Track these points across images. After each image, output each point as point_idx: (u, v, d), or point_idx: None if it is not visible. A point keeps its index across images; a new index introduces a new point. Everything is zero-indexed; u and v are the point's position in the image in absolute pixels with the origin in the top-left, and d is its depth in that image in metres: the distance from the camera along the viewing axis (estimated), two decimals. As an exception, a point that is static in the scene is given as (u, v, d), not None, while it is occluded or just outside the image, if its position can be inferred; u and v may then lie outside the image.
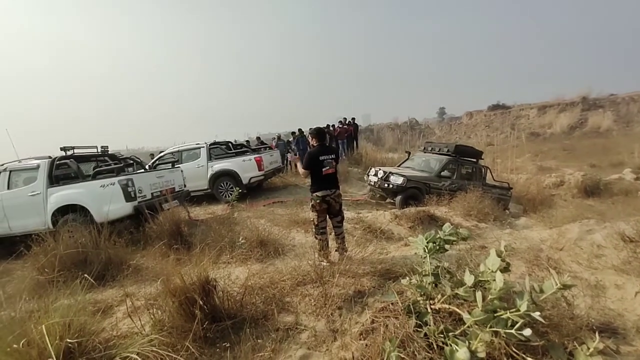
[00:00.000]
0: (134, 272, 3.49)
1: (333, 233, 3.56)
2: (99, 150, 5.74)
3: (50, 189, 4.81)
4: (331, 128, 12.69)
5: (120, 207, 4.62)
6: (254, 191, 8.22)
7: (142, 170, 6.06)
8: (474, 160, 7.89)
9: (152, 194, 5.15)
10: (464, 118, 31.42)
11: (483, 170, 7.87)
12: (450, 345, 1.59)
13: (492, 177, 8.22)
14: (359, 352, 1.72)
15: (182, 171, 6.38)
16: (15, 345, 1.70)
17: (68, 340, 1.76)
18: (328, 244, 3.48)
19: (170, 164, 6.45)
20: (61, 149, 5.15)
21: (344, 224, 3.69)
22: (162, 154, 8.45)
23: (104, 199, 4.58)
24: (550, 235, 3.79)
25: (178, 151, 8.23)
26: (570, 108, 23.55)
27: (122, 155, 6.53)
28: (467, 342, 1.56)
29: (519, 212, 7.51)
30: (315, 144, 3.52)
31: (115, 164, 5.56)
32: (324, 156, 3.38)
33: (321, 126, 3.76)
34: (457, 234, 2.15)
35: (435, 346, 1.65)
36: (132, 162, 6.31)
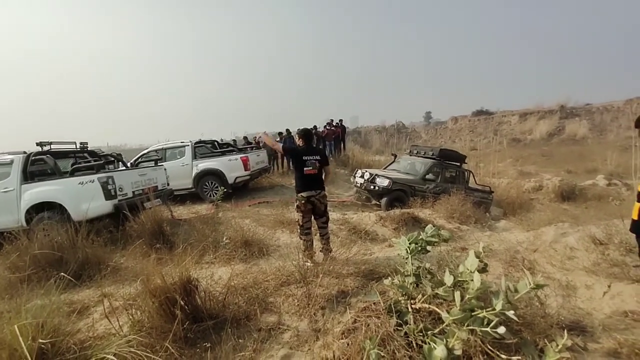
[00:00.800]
0: (112, 271, 3.40)
1: (318, 234, 3.58)
2: (78, 147, 5.54)
3: (25, 185, 4.61)
4: (319, 130, 12.73)
5: (100, 205, 4.47)
6: (239, 191, 8.14)
7: (124, 168, 5.90)
8: (458, 164, 8.10)
9: (133, 192, 5.02)
10: (449, 123, 32.15)
11: (466, 174, 8.09)
12: (429, 344, 1.63)
13: (475, 180, 8.45)
14: (340, 351, 1.74)
15: (165, 169, 6.24)
16: (-17, 347, 1.63)
17: (41, 341, 1.70)
18: (313, 244, 3.50)
19: (153, 162, 6.31)
20: (37, 144, 4.94)
21: (329, 224, 3.71)
22: (145, 151, 8.26)
23: (82, 196, 4.43)
24: (527, 238, 3.94)
25: (162, 149, 8.06)
26: (549, 115, 24.52)
27: (103, 152, 6.34)
28: (444, 340, 1.61)
29: (500, 215, 7.75)
30: (301, 144, 3.55)
31: (95, 160, 5.39)
32: (308, 156, 3.41)
33: (308, 127, 3.80)
34: (439, 235, 2.20)
35: (414, 344, 1.69)
36: (113, 159, 6.13)
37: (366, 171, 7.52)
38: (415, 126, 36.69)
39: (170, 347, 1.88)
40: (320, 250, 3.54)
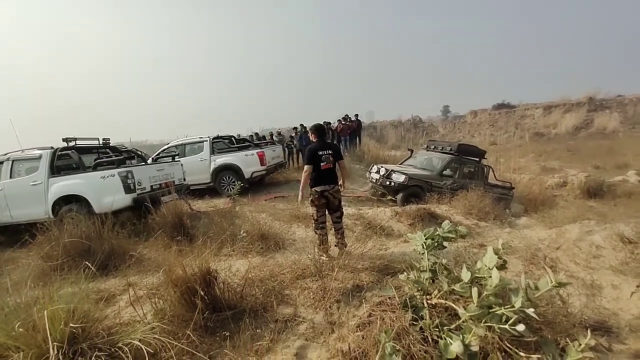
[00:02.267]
0: (136, 262, 3.55)
1: (333, 228, 3.60)
2: (101, 142, 5.80)
3: (52, 179, 4.87)
4: (332, 125, 12.69)
5: (120, 199, 4.68)
6: (256, 185, 8.27)
7: (143, 163, 6.11)
8: (477, 159, 7.87)
9: (151, 186, 5.20)
10: (468, 117, 31.21)
11: (485, 170, 7.86)
12: (445, 339, 1.62)
13: (495, 176, 8.20)
14: (355, 344, 1.76)
15: (182, 165, 6.42)
16: (21, 330, 1.76)
17: (72, 326, 1.81)
18: (327, 238, 3.52)
19: (171, 158, 6.50)
20: (63, 139, 5.20)
21: (344, 219, 3.72)
22: (165, 146, 8.52)
23: (103, 190, 4.65)
24: (549, 235, 3.80)
25: (181, 144, 8.29)
26: (576, 108, 23.31)
27: (125, 148, 6.59)
28: (461, 336, 1.59)
29: (520, 211, 7.50)
30: (314, 140, 3.57)
31: (116, 156, 5.61)
32: (322, 151, 3.42)
33: (320, 122, 3.82)
34: (456, 231, 2.17)
35: (430, 339, 1.69)
36: (133, 154, 6.37)
37: (382, 167, 7.44)
38: (433, 120, 35.87)
39: (192, 335, 1.96)
40: (336, 245, 3.56)
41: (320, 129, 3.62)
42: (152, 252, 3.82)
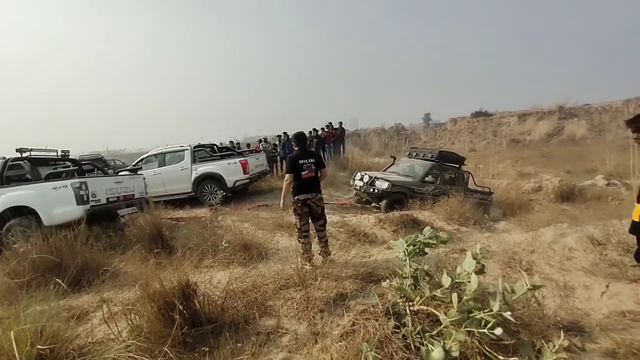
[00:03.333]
0: (111, 277, 3.39)
1: (316, 237, 3.58)
2: (59, 154, 5.62)
3: (1, 189, 4.62)
4: (319, 132, 12.75)
5: (71, 210, 4.45)
6: (239, 194, 8.14)
7: (102, 175, 5.98)
8: (457, 165, 8.11)
9: (107, 199, 5.00)
10: (448, 124, 32.18)
11: (465, 176, 8.09)
12: (426, 345, 1.63)
13: (474, 182, 8.46)
14: (338, 354, 1.74)
15: (144, 178, 6.26)
16: (-19, 353, 1.63)
17: (39, 347, 1.70)
18: (311, 247, 3.50)
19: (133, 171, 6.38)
20: (17, 150, 5.01)
21: (328, 227, 3.72)
22: (145, 155, 8.27)
23: (54, 201, 4.46)
24: (525, 239, 3.94)
25: (161, 153, 8.05)
26: (548, 116, 24.55)
27: (85, 160, 6.40)
28: (442, 342, 1.61)
29: (499, 216, 7.75)
30: (295, 148, 3.58)
31: (73, 167, 5.48)
32: (303, 160, 3.43)
33: (302, 131, 3.83)
34: (437, 237, 2.21)
35: (412, 346, 1.69)
36: (93, 167, 6.29)
37: (365, 174, 7.53)
38: (415, 128, 36.73)
39: (169, 352, 1.88)
40: (319, 253, 3.54)
41: (301, 138, 3.64)
42: (129, 266, 3.66)
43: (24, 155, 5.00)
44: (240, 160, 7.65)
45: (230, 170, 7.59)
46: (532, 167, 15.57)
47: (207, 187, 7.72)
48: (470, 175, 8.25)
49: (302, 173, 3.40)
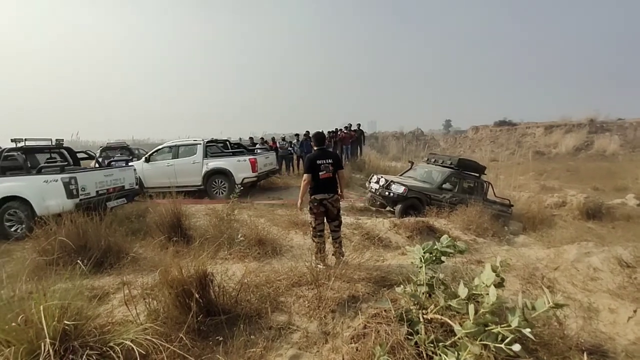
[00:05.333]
0: (132, 261, 3.53)
1: (330, 237, 3.59)
2: (53, 143, 5.92)
3: None
4: (339, 133, 12.76)
5: (62, 203, 4.73)
6: (255, 190, 8.28)
7: (93, 168, 6.31)
8: (477, 174, 7.90)
9: (97, 192, 5.27)
10: (469, 132, 31.40)
11: (485, 185, 7.87)
12: (440, 355, 1.61)
13: (494, 192, 8.22)
14: (349, 356, 1.74)
15: (134, 170, 6.48)
16: (14, 324, 1.74)
17: (65, 323, 1.79)
18: (325, 247, 3.51)
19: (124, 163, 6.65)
20: (12, 140, 5.30)
21: (342, 229, 3.72)
22: (159, 147, 8.62)
23: (46, 193, 4.76)
24: (547, 255, 3.80)
25: (175, 146, 8.37)
26: (577, 129, 23.50)
27: (79, 150, 6.77)
28: (456, 353, 1.58)
29: (519, 229, 7.49)
30: (315, 148, 3.60)
31: (63, 159, 5.92)
32: (321, 160, 3.44)
33: (321, 131, 3.84)
34: (455, 246, 2.17)
35: (424, 355, 1.68)
36: (87, 156, 6.69)
37: (381, 177, 7.46)
38: (434, 134, 36.07)
39: (184, 338, 1.94)
40: (333, 254, 3.55)
41: (321, 138, 3.65)
42: (148, 252, 3.80)
43: (19, 145, 5.33)
44: (250, 158, 7.83)
45: (239, 167, 7.78)
46: (557, 181, 14.94)
47: (216, 181, 7.94)
48: (490, 186, 8.02)
49: (320, 173, 3.41)
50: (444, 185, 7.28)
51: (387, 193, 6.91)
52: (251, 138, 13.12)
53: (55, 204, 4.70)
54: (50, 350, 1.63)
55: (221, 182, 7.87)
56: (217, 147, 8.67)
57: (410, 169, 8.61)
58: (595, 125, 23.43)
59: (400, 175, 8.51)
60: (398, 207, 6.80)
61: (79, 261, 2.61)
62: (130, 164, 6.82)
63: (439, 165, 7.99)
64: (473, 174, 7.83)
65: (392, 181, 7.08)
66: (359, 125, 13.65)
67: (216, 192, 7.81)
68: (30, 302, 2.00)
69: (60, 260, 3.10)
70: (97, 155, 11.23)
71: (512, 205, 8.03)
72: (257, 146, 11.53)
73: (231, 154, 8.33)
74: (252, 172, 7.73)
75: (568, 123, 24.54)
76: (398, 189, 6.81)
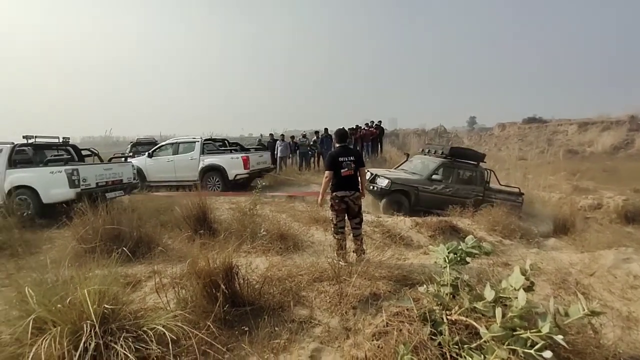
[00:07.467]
0: (161, 252, 3.70)
1: (351, 234, 3.59)
2: (61, 141, 6.56)
3: (9, 170, 5.60)
4: (361, 130, 12.69)
5: (65, 192, 5.32)
6: (276, 183, 8.48)
7: (92, 162, 6.89)
8: (474, 163, 7.44)
9: (97, 183, 5.81)
10: (495, 129, 30.17)
11: (486, 174, 7.42)
12: (465, 357, 1.58)
13: (498, 181, 7.76)
14: (372, 352, 1.75)
15: (132, 165, 6.96)
16: (59, 306, 1.89)
17: (105, 306, 1.92)
18: (346, 244, 3.52)
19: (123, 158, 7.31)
20: (23, 137, 5.91)
21: (363, 226, 3.71)
22: (162, 143, 9.19)
23: (51, 183, 5.35)
24: (581, 260, 3.61)
25: (176, 143, 8.89)
26: (615, 127, 21.93)
27: (83, 147, 7.39)
28: (482, 356, 1.55)
29: (549, 232, 7.14)
30: (336, 145, 3.60)
31: (69, 155, 6.59)
32: (343, 157, 3.43)
33: (343, 127, 3.83)
34: (480, 247, 2.11)
35: (448, 356, 1.65)
36: (90, 153, 7.25)
37: (367, 170, 7.25)
38: (458, 131, 34.92)
39: (211, 326, 2.02)
40: (354, 251, 3.55)
41: (343, 135, 3.64)
42: (177, 243, 3.97)
43: (30, 141, 5.98)
44: (242, 156, 8.21)
45: (232, 164, 8.17)
46: (591, 182, 14.05)
47: (211, 177, 8.34)
48: (492, 174, 7.51)
49: (342, 170, 3.41)
50: (434, 176, 6.90)
51: (371, 187, 6.65)
52: (271, 135, 13.30)
53: (59, 193, 5.32)
54: (92, 331, 1.76)
55: (215, 178, 8.31)
56: (213, 145, 9.29)
57: (406, 160, 8.36)
58: (637, 122, 21.78)
59: (395, 167, 8.28)
60: (382, 202, 6.54)
61: (121, 249, 2.79)
62: (133, 159, 7.66)
63: (432, 156, 7.69)
64: (470, 162, 7.38)
65: (376, 174, 6.82)
66: (379, 122, 13.48)
67: (210, 188, 8.21)
68: (73, 286, 2.16)
69: (97, 248, 3.31)
70: (127, 150, 11.89)
71: (523, 194, 7.53)
72: (278, 143, 11.75)
73: (227, 151, 8.89)
74: (244, 169, 8.13)
75: (605, 120, 22.98)
76: (382, 182, 6.56)
